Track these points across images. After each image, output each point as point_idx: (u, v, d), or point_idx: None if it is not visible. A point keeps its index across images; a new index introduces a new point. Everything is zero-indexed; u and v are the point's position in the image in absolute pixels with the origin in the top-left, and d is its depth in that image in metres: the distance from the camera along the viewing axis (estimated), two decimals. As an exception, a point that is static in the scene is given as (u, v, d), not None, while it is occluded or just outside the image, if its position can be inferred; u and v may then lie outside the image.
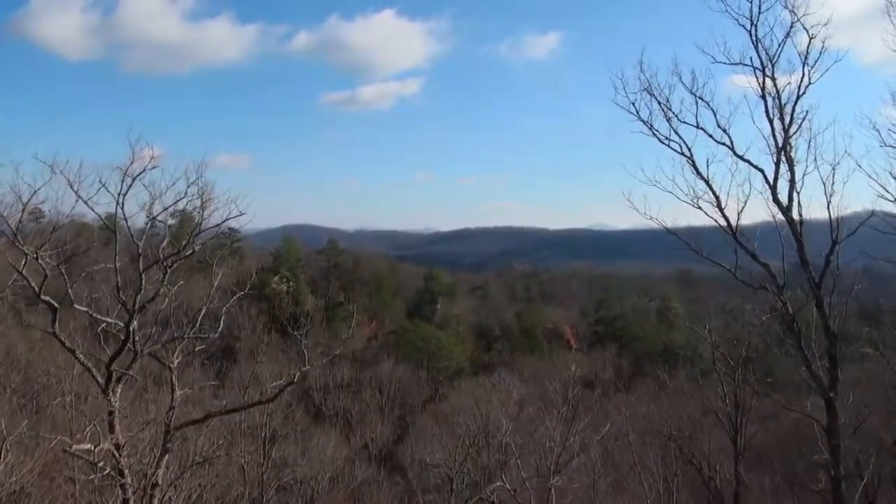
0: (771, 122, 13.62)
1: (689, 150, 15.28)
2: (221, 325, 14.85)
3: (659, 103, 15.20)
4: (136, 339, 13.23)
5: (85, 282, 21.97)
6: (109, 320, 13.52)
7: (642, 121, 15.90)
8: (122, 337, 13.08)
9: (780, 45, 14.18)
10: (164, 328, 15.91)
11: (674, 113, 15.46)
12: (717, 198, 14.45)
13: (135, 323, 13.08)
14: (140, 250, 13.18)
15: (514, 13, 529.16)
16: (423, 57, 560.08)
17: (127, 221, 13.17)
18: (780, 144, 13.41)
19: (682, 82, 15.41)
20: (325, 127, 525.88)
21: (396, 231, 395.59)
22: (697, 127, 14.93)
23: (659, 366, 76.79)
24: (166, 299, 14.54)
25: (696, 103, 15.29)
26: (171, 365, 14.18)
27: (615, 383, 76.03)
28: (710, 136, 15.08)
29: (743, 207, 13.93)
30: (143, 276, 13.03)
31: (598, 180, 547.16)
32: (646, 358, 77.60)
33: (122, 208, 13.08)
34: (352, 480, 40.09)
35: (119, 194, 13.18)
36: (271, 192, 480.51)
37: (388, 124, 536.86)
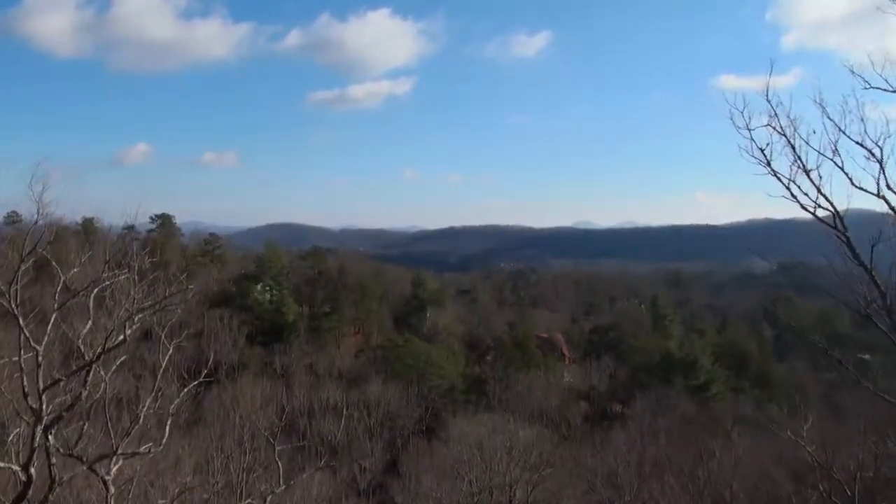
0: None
1: (842, 220, 9.95)
2: (167, 435, 11.39)
3: (793, 149, 9.78)
4: (53, 463, 9.74)
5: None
6: (1, 465, 9.93)
7: (778, 177, 10.36)
8: (24, 479, 9.57)
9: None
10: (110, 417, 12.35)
11: (843, 169, 9.93)
12: (882, 293, 9.54)
13: (46, 454, 9.54)
14: (40, 358, 9.55)
15: (507, 13, 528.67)
16: (413, 56, 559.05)
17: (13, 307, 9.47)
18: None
19: (837, 123, 9.76)
20: (313, 125, 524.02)
21: (381, 229, 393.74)
22: (878, 195, 9.74)
23: (657, 378, 74.85)
24: (103, 385, 11.05)
25: (883, 164, 9.58)
26: (107, 478, 10.76)
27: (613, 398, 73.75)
28: (893, 207, 9.74)
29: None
30: (43, 396, 9.45)
31: (584, 179, 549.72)
32: (643, 369, 75.01)
33: (15, 300, 9.45)
34: (340, 522, 36.75)
35: (12, 281, 9.49)
36: (257, 190, 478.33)
37: (376, 123, 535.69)
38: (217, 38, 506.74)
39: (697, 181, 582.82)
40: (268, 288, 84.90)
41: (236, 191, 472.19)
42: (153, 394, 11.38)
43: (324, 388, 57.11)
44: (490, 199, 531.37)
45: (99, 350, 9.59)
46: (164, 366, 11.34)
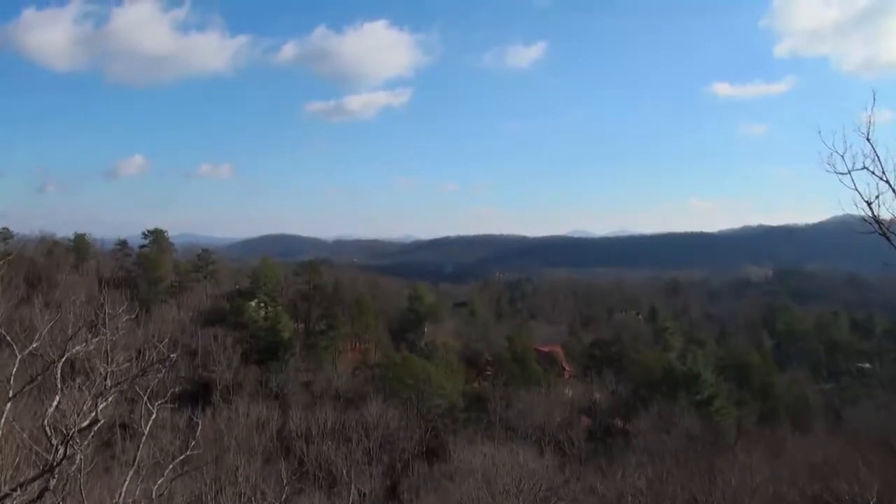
0: None
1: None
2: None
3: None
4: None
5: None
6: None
7: (888, 237, 8.43)
8: None
9: None
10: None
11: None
12: None
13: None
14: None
15: (502, 24, 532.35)
16: (410, 67, 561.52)
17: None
18: None
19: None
20: (309, 137, 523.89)
21: (376, 240, 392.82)
22: None
23: (660, 392, 73.49)
24: (79, 458, 9.74)
25: None
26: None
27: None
28: None
29: None
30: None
31: (578, 188, 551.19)
32: (645, 384, 73.67)
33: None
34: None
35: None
36: (253, 201, 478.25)
37: (373, 133, 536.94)
38: (214, 50, 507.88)
39: (690, 187, 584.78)
40: (262, 304, 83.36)
41: (232, 202, 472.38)
42: (134, 467, 10.06)
43: (321, 409, 55.64)
44: (485, 208, 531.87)
45: (61, 452, 8.23)
46: (144, 436, 10.03)
